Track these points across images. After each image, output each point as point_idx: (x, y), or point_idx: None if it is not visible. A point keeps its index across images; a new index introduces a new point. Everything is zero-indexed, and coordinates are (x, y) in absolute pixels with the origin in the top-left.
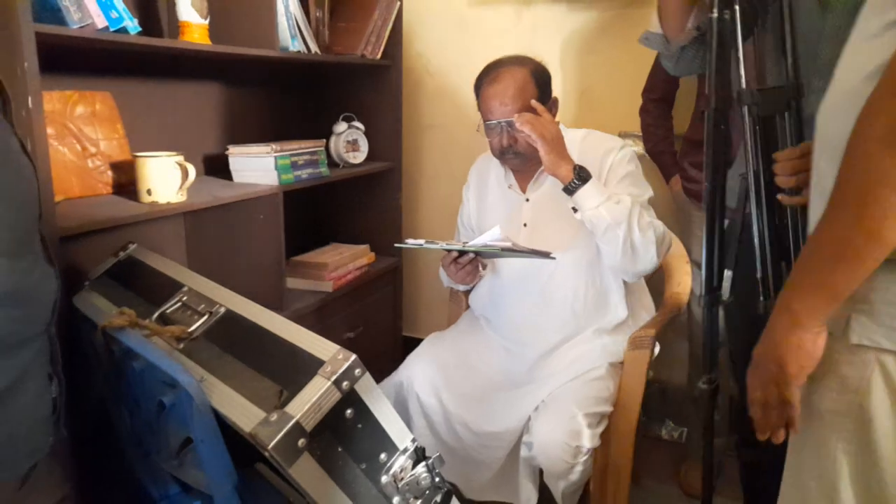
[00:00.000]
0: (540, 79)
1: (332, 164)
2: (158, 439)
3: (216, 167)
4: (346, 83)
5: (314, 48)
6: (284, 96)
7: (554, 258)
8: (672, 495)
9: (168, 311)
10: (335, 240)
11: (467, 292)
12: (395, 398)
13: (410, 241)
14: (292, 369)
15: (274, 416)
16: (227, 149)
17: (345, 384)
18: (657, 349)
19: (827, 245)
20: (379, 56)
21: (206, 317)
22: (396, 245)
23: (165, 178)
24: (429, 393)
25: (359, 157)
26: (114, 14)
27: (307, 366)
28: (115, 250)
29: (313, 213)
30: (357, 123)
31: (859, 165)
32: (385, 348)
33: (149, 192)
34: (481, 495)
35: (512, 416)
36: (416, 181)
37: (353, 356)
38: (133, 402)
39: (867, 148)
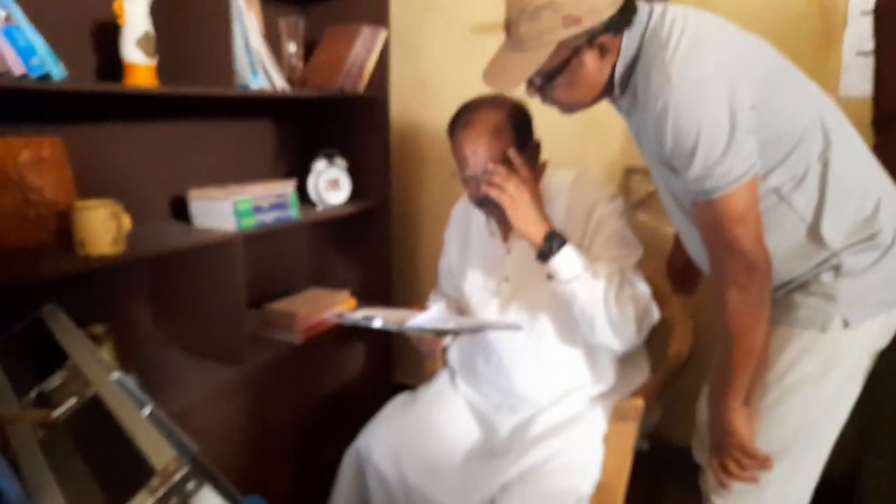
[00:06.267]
0: (517, 122)
1: (311, 203)
2: None
3: (183, 210)
4: (329, 118)
5: (281, 84)
6: (261, 133)
7: (521, 328)
8: None
9: (47, 389)
10: (318, 284)
11: (445, 348)
12: (355, 466)
13: (348, 315)
14: (127, 477)
15: None
16: (188, 192)
17: (173, 501)
18: (658, 414)
19: (736, 364)
20: (362, 89)
21: (75, 400)
22: (333, 319)
23: (99, 230)
24: (388, 463)
25: (340, 196)
26: (34, 61)
27: (140, 475)
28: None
29: (294, 255)
30: (339, 160)
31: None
32: (374, 398)
33: (82, 244)
34: None
35: (475, 494)
36: (413, 218)
37: (188, 467)
38: None
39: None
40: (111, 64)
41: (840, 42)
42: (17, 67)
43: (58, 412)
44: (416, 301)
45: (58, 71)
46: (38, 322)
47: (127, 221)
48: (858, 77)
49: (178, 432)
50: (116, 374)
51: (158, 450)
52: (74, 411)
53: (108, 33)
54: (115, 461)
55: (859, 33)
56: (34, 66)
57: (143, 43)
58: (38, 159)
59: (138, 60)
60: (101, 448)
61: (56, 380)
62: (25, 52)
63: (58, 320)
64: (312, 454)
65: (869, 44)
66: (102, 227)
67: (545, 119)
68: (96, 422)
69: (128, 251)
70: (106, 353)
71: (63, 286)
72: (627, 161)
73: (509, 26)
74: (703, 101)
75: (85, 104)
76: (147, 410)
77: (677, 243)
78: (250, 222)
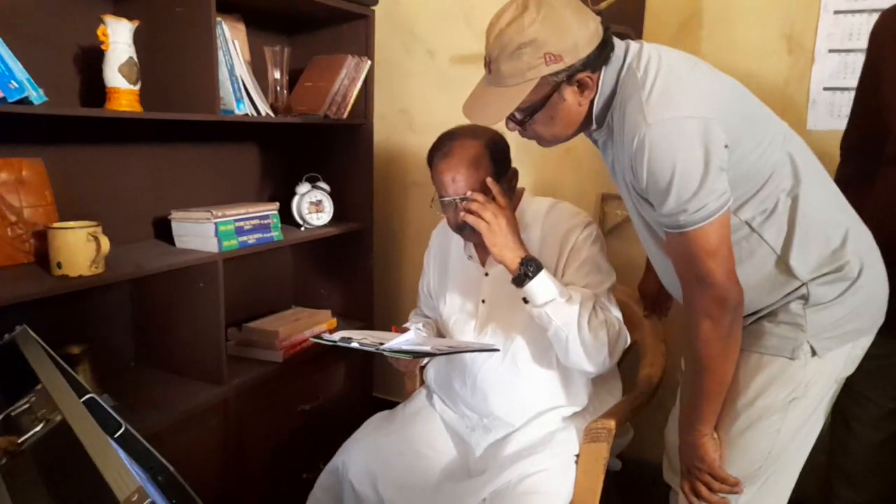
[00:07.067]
0: (495, 152)
1: (294, 225)
2: None
3: (167, 231)
4: (314, 144)
5: (264, 110)
6: (246, 158)
7: (496, 350)
8: None
9: (13, 413)
10: (301, 303)
11: (423, 367)
12: (331, 485)
13: (326, 335)
14: None
15: None
16: (171, 213)
17: None
18: (630, 435)
19: (708, 393)
20: (345, 115)
21: (42, 425)
22: (312, 339)
23: (76, 251)
24: (364, 482)
25: (323, 218)
26: (13, 85)
27: None
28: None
29: (278, 275)
30: (322, 184)
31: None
32: (355, 414)
33: (59, 265)
34: None
35: None
36: (394, 240)
37: (149, 499)
38: None
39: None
40: (95, 88)
41: (808, 78)
42: None
43: (25, 436)
44: (396, 321)
45: (36, 95)
46: (12, 344)
47: (106, 243)
48: (824, 112)
49: (152, 453)
50: (87, 397)
51: (122, 479)
52: (41, 437)
53: (92, 58)
54: (80, 491)
55: (826, 70)
56: (12, 89)
57: (126, 68)
58: (17, 180)
59: (121, 85)
60: (66, 476)
61: (24, 404)
62: (2, 77)
63: (30, 343)
64: (293, 472)
65: (835, 80)
66: (80, 249)
67: (523, 147)
68: (63, 448)
69: (106, 273)
70: (82, 374)
71: (41, 306)
72: (603, 187)
73: (489, 63)
74: (678, 141)
75: (68, 126)
76: (119, 432)
77: (649, 269)
78: (232, 243)
